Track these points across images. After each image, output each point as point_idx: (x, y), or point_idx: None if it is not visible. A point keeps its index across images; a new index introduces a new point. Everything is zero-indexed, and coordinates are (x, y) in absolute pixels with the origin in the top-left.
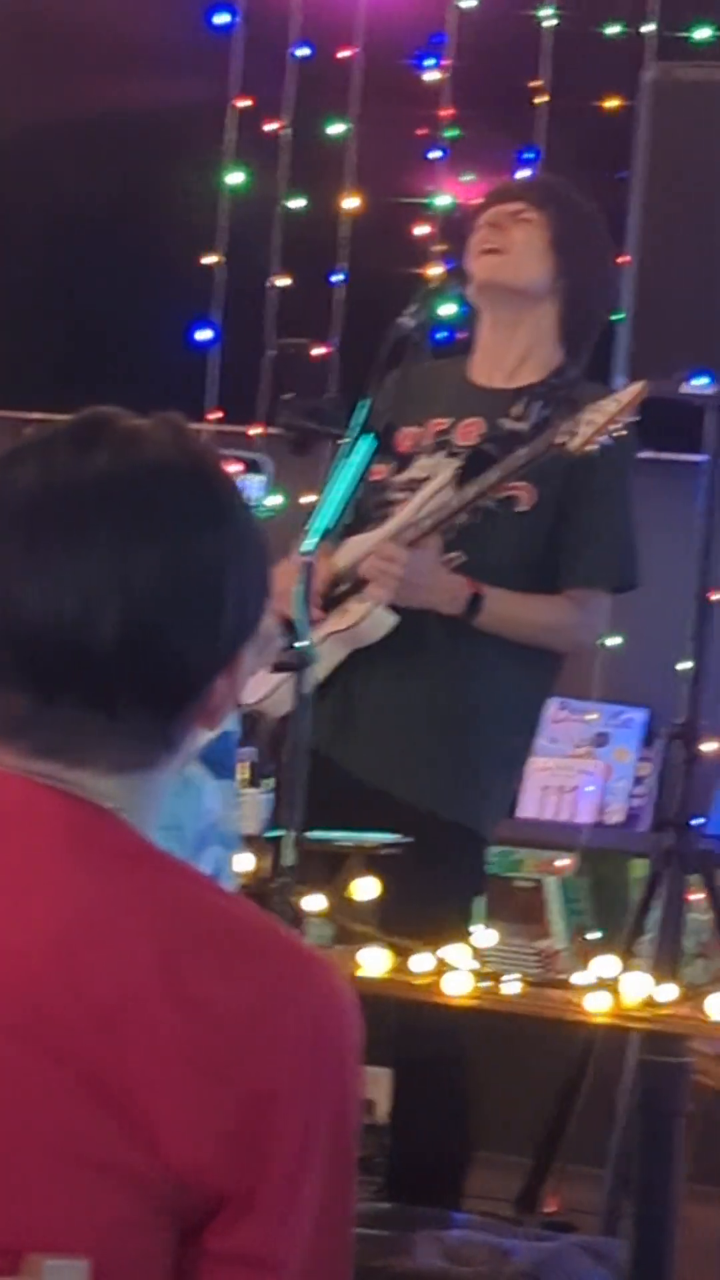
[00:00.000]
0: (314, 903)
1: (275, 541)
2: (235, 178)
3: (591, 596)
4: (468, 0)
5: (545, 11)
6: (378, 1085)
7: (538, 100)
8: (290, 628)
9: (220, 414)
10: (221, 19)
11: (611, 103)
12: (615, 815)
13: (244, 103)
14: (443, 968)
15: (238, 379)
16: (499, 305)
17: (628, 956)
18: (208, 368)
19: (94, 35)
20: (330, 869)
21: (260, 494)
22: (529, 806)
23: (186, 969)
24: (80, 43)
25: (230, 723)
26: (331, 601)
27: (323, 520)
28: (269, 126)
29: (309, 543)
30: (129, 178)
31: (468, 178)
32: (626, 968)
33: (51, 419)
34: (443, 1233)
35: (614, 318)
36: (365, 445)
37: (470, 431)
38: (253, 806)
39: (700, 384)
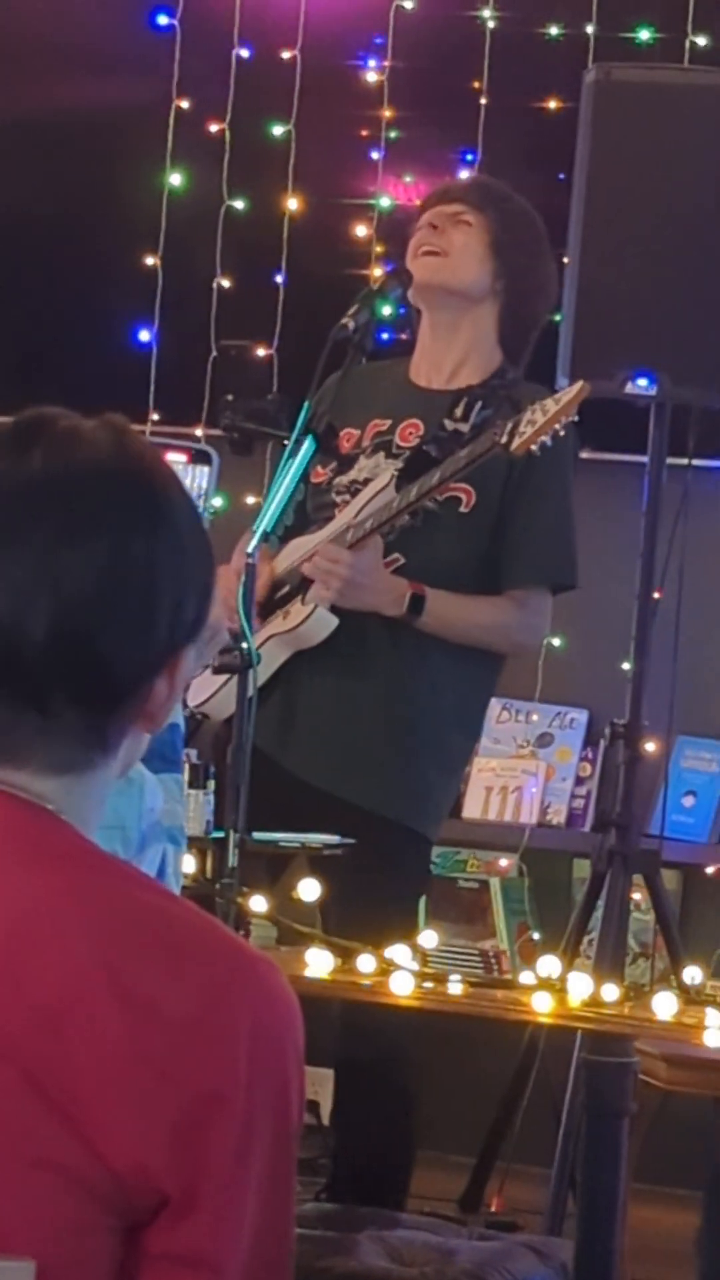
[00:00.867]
0: (257, 904)
1: (218, 543)
2: (176, 179)
3: (532, 596)
4: (408, 1)
5: (486, 12)
6: (321, 1086)
7: (479, 101)
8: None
9: (161, 415)
10: (162, 20)
11: (552, 104)
12: (557, 816)
13: (184, 103)
14: (387, 968)
15: (179, 380)
16: (438, 307)
17: (571, 957)
18: (149, 369)
19: (33, 36)
20: (274, 870)
21: (209, 485)
22: (473, 807)
23: (129, 970)
24: (19, 43)
25: (176, 715)
26: (274, 604)
27: (264, 522)
28: (210, 127)
29: (251, 544)
30: (69, 178)
31: (409, 179)
32: (570, 968)
33: None
34: (387, 1233)
35: (555, 319)
36: (306, 447)
37: (410, 433)
38: (196, 808)
39: (642, 385)
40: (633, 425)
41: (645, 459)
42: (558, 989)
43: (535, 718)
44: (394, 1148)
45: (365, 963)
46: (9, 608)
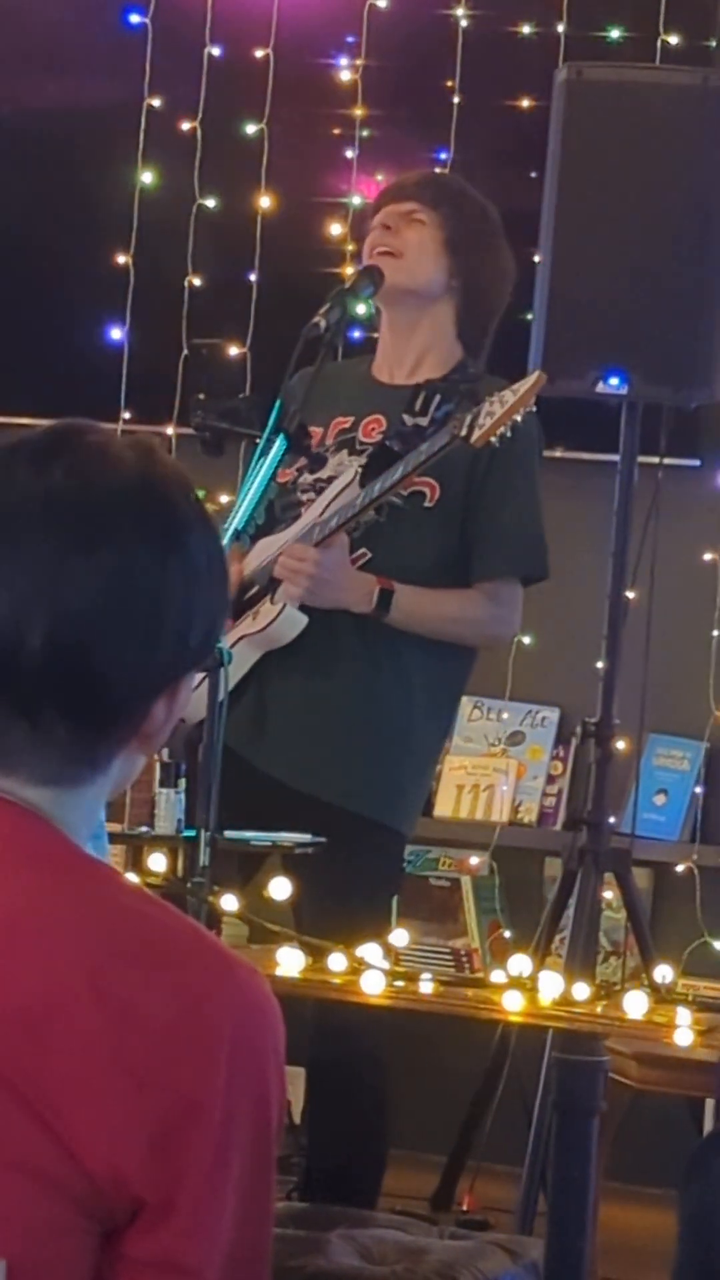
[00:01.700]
0: (229, 903)
1: None
2: (148, 177)
3: (502, 588)
4: None
5: (459, 11)
6: (293, 1085)
7: (452, 100)
8: None
9: (132, 414)
10: (134, 18)
11: (525, 102)
12: (529, 814)
13: (156, 102)
14: (358, 967)
15: (151, 379)
16: (396, 306)
17: (543, 955)
18: (120, 367)
19: (4, 33)
20: (246, 870)
21: None
22: (445, 806)
23: (112, 974)
24: None
25: None
26: (243, 605)
27: (235, 521)
28: (182, 126)
29: (222, 544)
30: (41, 177)
31: (382, 177)
32: (541, 966)
33: None
34: (358, 1231)
35: (527, 316)
36: (277, 446)
37: (373, 429)
38: (167, 807)
39: (613, 384)
40: (604, 424)
41: (616, 458)
42: (529, 988)
43: (506, 716)
44: (365, 1146)
45: (337, 961)
46: (10, 614)
